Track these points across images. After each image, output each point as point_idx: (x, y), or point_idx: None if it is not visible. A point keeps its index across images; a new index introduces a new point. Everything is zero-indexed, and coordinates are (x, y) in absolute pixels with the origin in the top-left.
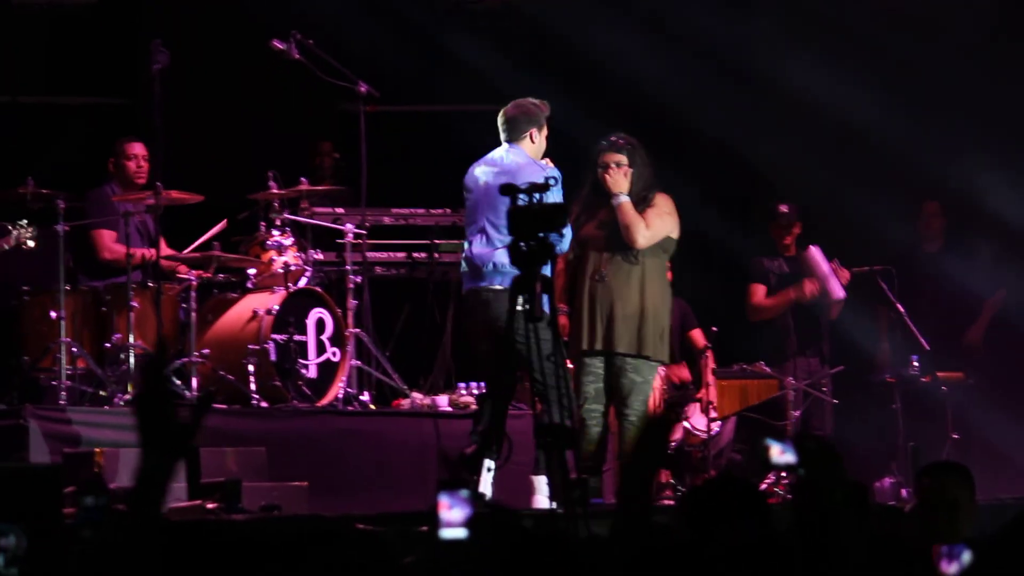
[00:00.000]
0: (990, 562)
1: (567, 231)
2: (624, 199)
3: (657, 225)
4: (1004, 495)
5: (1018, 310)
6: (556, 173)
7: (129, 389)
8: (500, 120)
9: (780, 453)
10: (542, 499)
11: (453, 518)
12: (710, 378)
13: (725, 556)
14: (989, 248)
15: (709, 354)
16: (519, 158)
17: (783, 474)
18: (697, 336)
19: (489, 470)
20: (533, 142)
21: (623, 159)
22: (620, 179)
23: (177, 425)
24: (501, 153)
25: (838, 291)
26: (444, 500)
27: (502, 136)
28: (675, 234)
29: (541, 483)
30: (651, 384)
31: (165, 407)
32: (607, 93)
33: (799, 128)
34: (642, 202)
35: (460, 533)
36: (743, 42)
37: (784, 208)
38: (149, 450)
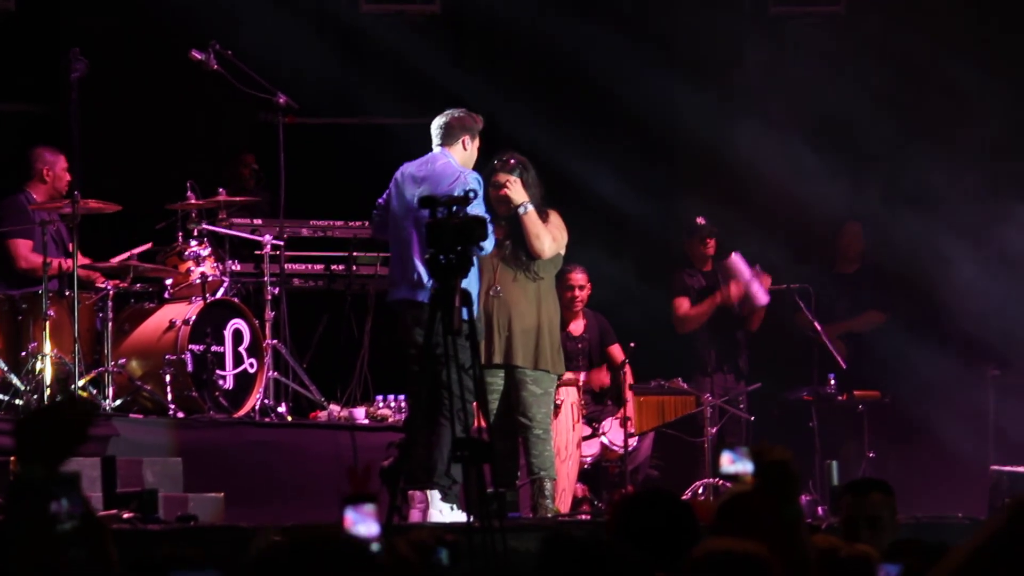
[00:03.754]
0: None
1: (488, 243)
2: (531, 208)
3: (559, 238)
4: (920, 513)
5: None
6: (478, 186)
7: (45, 398)
8: (434, 125)
9: (730, 462)
10: (435, 513)
11: (359, 533)
12: (628, 393)
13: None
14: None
15: (627, 369)
16: (449, 163)
17: (700, 490)
18: (616, 351)
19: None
20: (465, 149)
21: (514, 179)
22: (520, 190)
23: (59, 436)
24: (436, 154)
25: (762, 297)
26: (349, 516)
27: (435, 142)
28: (563, 251)
29: (434, 498)
30: (551, 395)
31: (48, 421)
32: (523, 103)
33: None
34: (539, 217)
35: (372, 547)
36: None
37: (701, 220)
38: (24, 461)
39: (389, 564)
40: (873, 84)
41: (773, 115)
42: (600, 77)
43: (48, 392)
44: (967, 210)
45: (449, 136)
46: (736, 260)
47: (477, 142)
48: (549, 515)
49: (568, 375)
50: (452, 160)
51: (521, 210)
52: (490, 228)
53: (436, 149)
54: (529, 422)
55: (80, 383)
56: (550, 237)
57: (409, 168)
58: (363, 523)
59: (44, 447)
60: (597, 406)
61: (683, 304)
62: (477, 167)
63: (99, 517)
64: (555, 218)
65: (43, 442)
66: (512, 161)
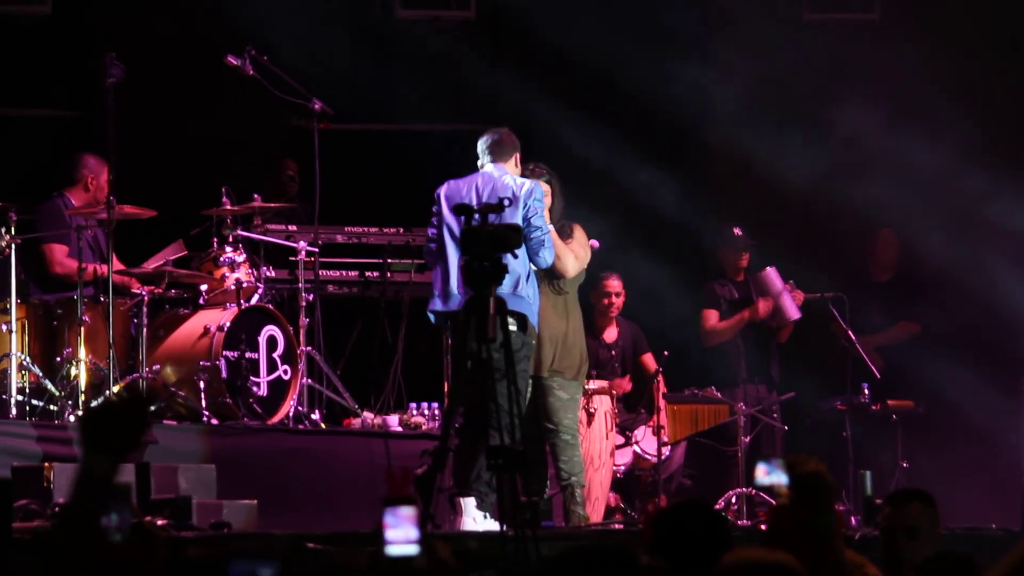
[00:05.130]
0: None
1: (545, 236)
2: (551, 229)
3: (582, 256)
4: (953, 525)
5: (964, 342)
6: (542, 198)
7: (80, 403)
8: (484, 142)
9: (765, 474)
10: (469, 520)
11: (398, 536)
12: (661, 402)
13: None
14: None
15: (660, 378)
16: (511, 176)
17: (733, 500)
18: (649, 360)
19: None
20: (517, 166)
21: (547, 188)
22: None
23: (122, 430)
24: (490, 170)
25: (793, 312)
26: (388, 519)
27: (486, 158)
28: (585, 265)
29: (469, 504)
30: (578, 402)
31: (118, 414)
32: (558, 111)
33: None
34: (563, 231)
35: (409, 550)
36: (696, 60)
37: (738, 231)
38: (91, 452)
39: (428, 568)
40: (907, 92)
41: (806, 122)
42: (634, 83)
43: (83, 398)
44: (1003, 218)
45: (502, 152)
46: (771, 274)
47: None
48: (582, 523)
49: (601, 383)
50: (511, 175)
51: None
52: (550, 241)
53: (488, 167)
54: (555, 427)
55: (115, 389)
56: (572, 256)
57: (456, 188)
58: (401, 527)
59: (111, 439)
60: (630, 414)
61: (711, 317)
62: None
63: (150, 524)
64: (579, 233)
65: (110, 434)
66: (538, 170)
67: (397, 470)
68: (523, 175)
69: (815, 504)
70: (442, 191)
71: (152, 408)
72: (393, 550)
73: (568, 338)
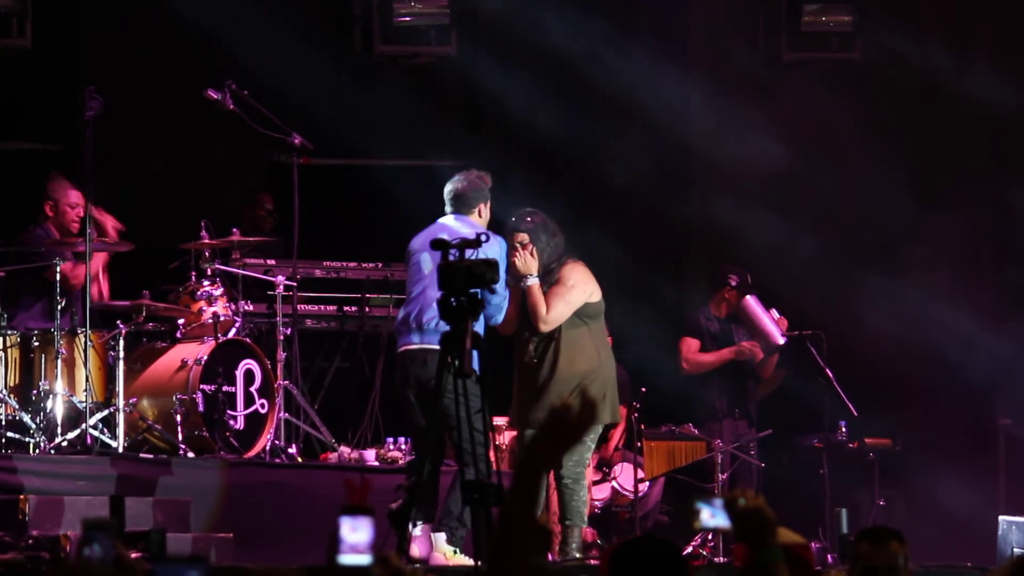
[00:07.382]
0: None
1: (503, 300)
2: (532, 281)
3: (559, 308)
4: (929, 562)
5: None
6: (502, 255)
7: (58, 435)
8: (450, 193)
9: (710, 516)
10: (440, 556)
11: (354, 545)
12: (608, 452)
13: None
14: None
15: (619, 430)
16: (470, 228)
17: (710, 536)
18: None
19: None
20: (481, 217)
21: (525, 238)
22: (528, 261)
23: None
24: (451, 222)
25: (777, 337)
26: (345, 525)
27: (449, 208)
28: (594, 298)
29: (439, 540)
30: (585, 444)
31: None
32: (537, 148)
33: (731, 186)
34: (547, 276)
35: (362, 560)
36: (674, 97)
37: (747, 275)
38: None
39: None
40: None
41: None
42: (613, 119)
43: (60, 431)
44: (981, 260)
45: (465, 205)
46: (751, 303)
47: (489, 203)
48: (564, 559)
49: None
50: (471, 225)
51: (523, 283)
52: (504, 303)
53: (450, 219)
54: (560, 471)
55: (91, 422)
56: (544, 309)
57: (423, 241)
58: (358, 533)
59: None
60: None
61: (692, 345)
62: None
63: (132, 561)
64: (568, 275)
65: None
66: (528, 219)
67: (356, 479)
68: (512, 223)
69: (757, 538)
70: (411, 245)
71: None
72: (348, 559)
73: (571, 381)
